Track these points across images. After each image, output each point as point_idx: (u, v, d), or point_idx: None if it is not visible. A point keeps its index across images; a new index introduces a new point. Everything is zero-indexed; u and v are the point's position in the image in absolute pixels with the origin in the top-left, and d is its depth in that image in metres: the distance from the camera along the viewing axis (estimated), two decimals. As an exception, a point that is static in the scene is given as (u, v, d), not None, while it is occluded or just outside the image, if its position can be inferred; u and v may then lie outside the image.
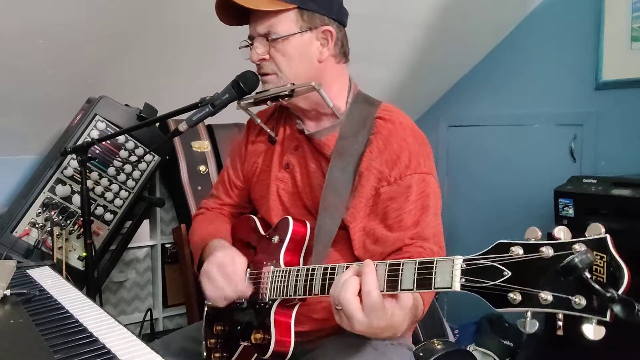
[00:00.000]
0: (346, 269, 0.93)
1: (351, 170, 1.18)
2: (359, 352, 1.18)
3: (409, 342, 1.33)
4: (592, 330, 0.64)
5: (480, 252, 0.74)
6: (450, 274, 0.77)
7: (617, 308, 0.62)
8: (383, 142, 1.17)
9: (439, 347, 1.98)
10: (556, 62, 2.56)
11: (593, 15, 2.38)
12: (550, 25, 2.58)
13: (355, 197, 1.17)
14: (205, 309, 1.31)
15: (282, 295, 1.09)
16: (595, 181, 2.06)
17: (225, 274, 1.14)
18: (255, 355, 1.16)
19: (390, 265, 0.87)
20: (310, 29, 1.18)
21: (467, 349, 2.40)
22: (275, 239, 1.18)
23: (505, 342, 2.52)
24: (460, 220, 2.94)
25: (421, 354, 1.91)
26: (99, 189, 2.01)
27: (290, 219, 1.18)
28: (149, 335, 2.39)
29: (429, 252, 1.09)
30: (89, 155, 1.73)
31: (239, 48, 1.25)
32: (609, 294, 0.62)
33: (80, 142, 1.89)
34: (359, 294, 0.86)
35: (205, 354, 1.27)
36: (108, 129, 2.00)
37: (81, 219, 1.75)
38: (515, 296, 0.69)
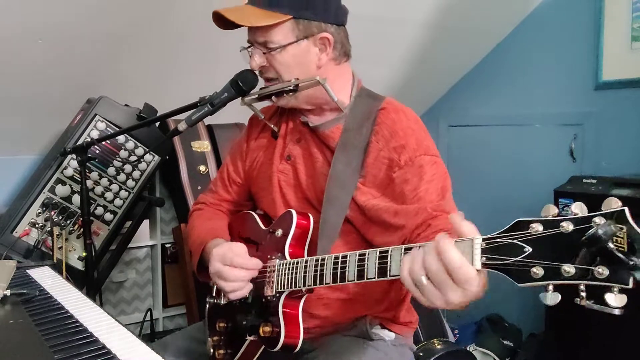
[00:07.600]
0: (360, 255, 0.93)
1: (356, 163, 1.17)
2: (361, 352, 1.18)
3: (410, 342, 1.32)
4: (614, 299, 0.66)
5: (500, 231, 0.76)
6: (471, 253, 0.77)
7: (639, 275, 0.65)
8: (388, 131, 1.17)
9: (439, 347, 1.99)
10: (556, 62, 2.56)
11: (593, 15, 2.38)
12: (550, 25, 2.58)
13: (364, 193, 1.16)
14: (207, 306, 1.31)
15: (291, 287, 1.09)
16: (595, 181, 2.06)
17: (230, 261, 1.14)
18: (261, 350, 1.16)
19: (406, 249, 0.86)
20: (307, 37, 1.17)
21: (467, 349, 2.40)
22: (279, 232, 1.18)
23: (505, 342, 2.52)
24: (460, 220, 2.94)
25: (421, 354, 1.92)
26: (98, 189, 2.01)
27: (294, 212, 1.18)
28: (149, 335, 2.39)
29: None
30: (89, 155, 1.73)
31: (240, 51, 1.25)
32: (631, 262, 0.64)
33: (80, 142, 1.89)
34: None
35: (211, 350, 1.26)
36: (108, 129, 2.00)
37: (81, 219, 1.75)
38: (538, 270, 0.70)
